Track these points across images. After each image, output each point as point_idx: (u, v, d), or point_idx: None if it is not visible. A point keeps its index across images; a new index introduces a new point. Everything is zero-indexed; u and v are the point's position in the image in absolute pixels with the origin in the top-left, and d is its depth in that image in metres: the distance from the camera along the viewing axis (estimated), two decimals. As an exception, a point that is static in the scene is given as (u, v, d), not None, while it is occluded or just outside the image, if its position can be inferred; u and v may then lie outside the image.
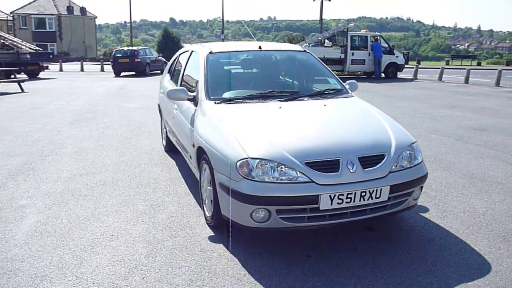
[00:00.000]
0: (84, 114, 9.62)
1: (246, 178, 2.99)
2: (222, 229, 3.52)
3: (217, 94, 4.04)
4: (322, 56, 18.58)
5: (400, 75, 21.08)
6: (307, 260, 3.09)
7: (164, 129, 6.06)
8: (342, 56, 20.04)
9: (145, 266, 3.00)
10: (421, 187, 3.46)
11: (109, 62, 24.35)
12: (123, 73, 23.29)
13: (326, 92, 4.28)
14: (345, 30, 20.57)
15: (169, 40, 45.89)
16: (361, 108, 4.02)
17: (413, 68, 23.31)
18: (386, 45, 21.02)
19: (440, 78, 19.94)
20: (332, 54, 20.09)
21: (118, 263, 3.04)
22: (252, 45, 4.92)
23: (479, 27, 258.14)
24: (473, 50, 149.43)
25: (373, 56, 19.93)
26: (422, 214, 3.94)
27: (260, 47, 4.73)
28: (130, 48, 24.68)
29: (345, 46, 20.19)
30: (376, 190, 3.09)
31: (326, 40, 20.97)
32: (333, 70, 5.01)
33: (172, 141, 5.42)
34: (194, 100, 4.10)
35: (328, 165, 3.04)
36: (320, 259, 3.09)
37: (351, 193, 3.02)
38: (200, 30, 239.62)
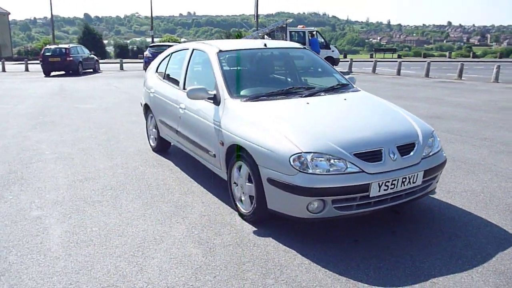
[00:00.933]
0: (41, 117, 9.01)
1: (302, 172, 3.11)
2: (263, 223, 3.61)
3: (239, 92, 4.09)
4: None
5: (336, 68, 22.01)
6: (357, 245, 3.29)
7: (154, 130, 5.93)
8: (283, 51, 20.51)
9: (209, 265, 3.01)
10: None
11: (37, 61, 22.76)
12: (53, 73, 21.91)
13: (337, 87, 4.49)
14: (284, 25, 21.09)
15: (91, 37, 43.92)
16: (376, 101, 4.30)
17: (347, 61, 24.50)
18: (322, 40, 21.86)
19: (373, 71, 21.19)
20: (272, 49, 20.46)
21: (180, 265, 3.02)
22: (256, 43, 5.00)
23: (389, 21, 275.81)
24: (385, 43, 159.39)
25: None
26: (430, 196, 4.31)
27: (265, 45, 4.83)
28: (61, 46, 23.24)
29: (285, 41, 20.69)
30: (414, 175, 3.37)
31: (266, 36, 21.34)
32: None
33: (172, 141, 5.34)
34: (215, 99, 4.10)
35: (373, 155, 3.26)
36: (368, 244, 3.30)
37: (395, 180, 3.27)
38: (117, 26, 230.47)
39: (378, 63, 22.90)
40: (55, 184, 4.74)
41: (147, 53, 21.19)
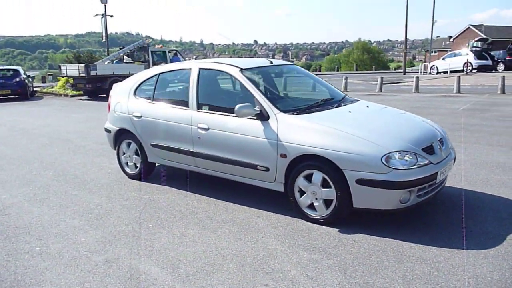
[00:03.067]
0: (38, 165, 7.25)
1: (394, 169, 3.63)
2: (337, 223, 3.96)
3: (285, 106, 4.37)
4: (128, 72, 18.32)
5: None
6: (427, 228, 3.91)
7: (134, 156, 5.57)
8: (146, 71, 20.22)
9: (324, 263, 3.27)
10: None
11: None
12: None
13: (345, 99, 5.08)
14: (145, 45, 20.78)
15: None
16: (388, 107, 5.02)
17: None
18: (182, 59, 22.25)
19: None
20: (136, 69, 19.94)
21: (329, 270, 3.20)
22: (262, 60, 5.25)
23: (202, 40, 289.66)
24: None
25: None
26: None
27: (271, 62, 5.15)
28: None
29: (147, 61, 20.41)
30: (450, 163, 4.20)
31: (126, 57, 20.72)
32: None
33: (174, 164, 5.17)
34: (262, 115, 4.26)
35: (430, 149, 3.98)
36: (433, 228, 3.93)
37: (445, 168, 4.03)
38: None
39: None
40: (88, 201, 4.17)
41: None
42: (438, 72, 28.87)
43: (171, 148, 5.10)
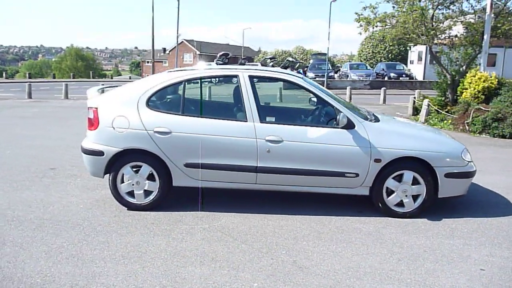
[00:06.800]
0: None
1: (469, 162, 4.63)
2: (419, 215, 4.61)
3: (360, 115, 4.65)
4: None
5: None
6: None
7: (146, 181, 4.46)
8: None
9: (423, 257, 3.98)
10: None
11: None
12: None
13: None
14: None
15: None
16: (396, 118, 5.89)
17: None
18: None
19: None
20: None
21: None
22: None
23: None
24: None
25: None
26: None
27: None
28: None
29: None
30: None
31: None
32: None
33: (223, 185, 4.52)
34: (348, 124, 4.42)
35: None
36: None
37: None
38: None
39: None
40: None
41: None
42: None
43: (222, 166, 4.42)
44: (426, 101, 12.75)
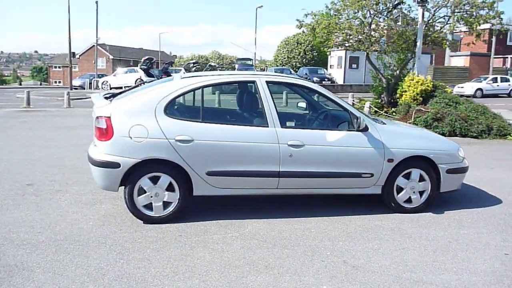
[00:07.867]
0: None
1: (463, 158, 5.08)
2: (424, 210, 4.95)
3: (371, 119, 4.87)
4: None
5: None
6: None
7: (165, 192, 4.26)
8: None
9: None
10: None
11: None
12: None
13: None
14: None
15: None
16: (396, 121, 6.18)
17: None
18: None
19: None
20: None
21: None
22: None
23: None
24: None
25: None
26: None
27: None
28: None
29: None
30: None
31: None
32: None
33: (242, 191, 4.47)
34: (360, 127, 4.61)
35: None
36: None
37: None
38: None
39: None
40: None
41: None
42: (111, 88, 29.76)
43: (245, 173, 4.37)
44: (367, 103, 13.58)
